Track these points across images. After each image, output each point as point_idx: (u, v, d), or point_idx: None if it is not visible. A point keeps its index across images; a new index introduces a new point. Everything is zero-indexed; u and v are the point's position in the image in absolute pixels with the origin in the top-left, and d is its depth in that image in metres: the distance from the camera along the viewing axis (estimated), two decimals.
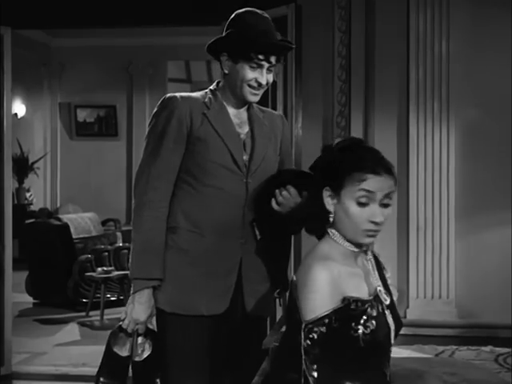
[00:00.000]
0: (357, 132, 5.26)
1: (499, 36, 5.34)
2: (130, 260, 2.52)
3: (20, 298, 7.12)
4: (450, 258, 5.35)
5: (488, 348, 4.91)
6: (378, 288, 2.08)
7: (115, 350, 2.51)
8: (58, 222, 7.75)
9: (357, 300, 1.98)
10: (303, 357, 1.94)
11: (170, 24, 6.57)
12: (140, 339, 2.51)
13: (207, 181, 2.48)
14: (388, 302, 2.08)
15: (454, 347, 4.94)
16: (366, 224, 2.02)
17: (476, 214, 5.38)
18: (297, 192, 2.41)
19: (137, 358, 2.51)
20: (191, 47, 9.10)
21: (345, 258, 2.06)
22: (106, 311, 6.80)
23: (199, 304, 2.48)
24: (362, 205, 2.02)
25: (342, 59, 5.37)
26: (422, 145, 5.36)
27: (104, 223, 9.67)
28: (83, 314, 6.94)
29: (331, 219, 2.06)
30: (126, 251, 7.43)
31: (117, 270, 7.14)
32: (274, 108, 4.69)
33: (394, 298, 2.15)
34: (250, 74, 2.48)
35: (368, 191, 2.01)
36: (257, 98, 2.54)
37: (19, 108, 10.43)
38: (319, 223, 2.10)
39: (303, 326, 1.95)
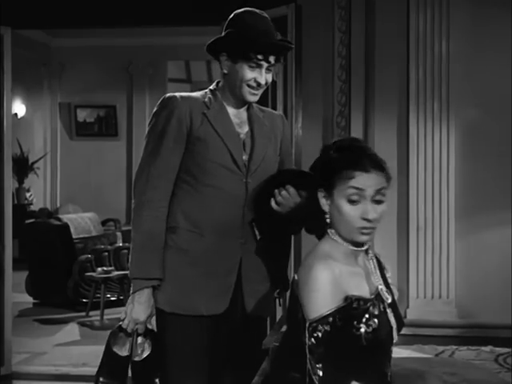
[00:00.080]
0: (357, 132, 5.26)
1: (499, 36, 5.34)
2: (129, 260, 2.52)
3: (20, 298, 7.12)
4: (450, 258, 5.34)
5: (488, 348, 4.91)
6: (380, 287, 2.08)
7: (115, 349, 2.51)
8: (58, 222, 7.75)
9: (359, 299, 1.99)
10: (308, 356, 1.94)
11: (170, 24, 6.57)
12: (140, 339, 2.51)
13: (207, 180, 2.48)
14: (389, 301, 2.08)
15: (454, 347, 4.94)
16: (359, 221, 2.02)
17: (476, 213, 5.38)
18: (296, 192, 2.41)
19: (136, 358, 2.51)
20: (191, 47, 9.10)
21: (345, 257, 2.07)
22: (106, 311, 6.80)
23: (199, 304, 2.48)
24: (353, 202, 2.02)
25: (341, 59, 5.36)
26: (422, 145, 5.36)
27: (104, 223, 9.67)
28: (83, 313, 6.94)
29: (327, 220, 2.07)
30: (125, 251, 7.43)
31: (117, 269, 7.14)
32: (274, 108, 4.69)
33: (395, 298, 2.15)
34: (249, 73, 2.48)
35: (357, 188, 2.02)
36: (256, 98, 2.54)
37: (19, 108, 10.43)
38: (318, 223, 2.10)
39: (307, 324, 1.95)
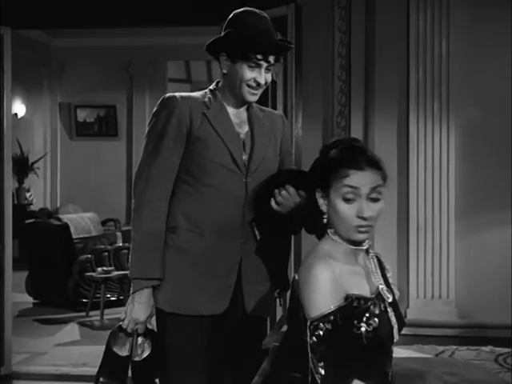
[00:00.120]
0: (357, 132, 5.26)
1: (499, 36, 5.34)
2: (129, 260, 2.52)
3: (20, 298, 7.12)
4: (450, 258, 5.34)
5: (488, 348, 4.91)
6: (380, 286, 2.08)
7: (115, 349, 2.51)
8: (58, 222, 7.75)
9: (359, 298, 2.00)
10: (309, 355, 1.95)
11: (170, 24, 6.57)
12: (140, 339, 2.51)
13: (207, 180, 2.48)
14: (390, 300, 2.09)
15: (454, 347, 4.94)
16: (355, 220, 2.03)
17: (476, 213, 5.38)
18: (296, 192, 2.41)
19: (136, 358, 2.51)
20: (191, 47, 9.08)
21: (346, 256, 2.07)
22: (106, 311, 6.80)
23: (199, 304, 2.48)
24: (348, 201, 2.03)
25: (342, 59, 5.36)
26: (422, 145, 5.36)
27: (104, 223, 9.67)
28: (83, 314, 6.94)
29: (325, 220, 2.08)
30: (125, 251, 7.43)
31: (117, 269, 7.14)
32: (274, 108, 4.69)
33: (396, 298, 2.15)
34: (249, 73, 2.48)
35: (352, 187, 2.02)
36: (255, 98, 2.54)
37: (19, 108, 10.42)
38: (318, 223, 2.11)
39: (308, 323, 1.95)
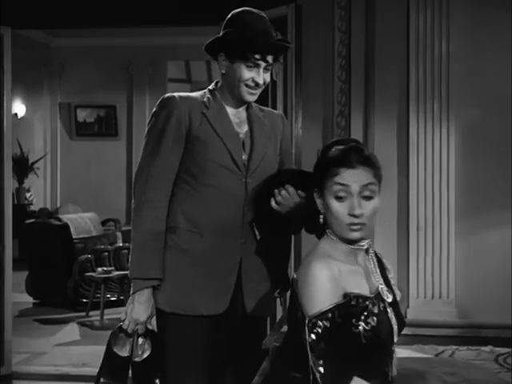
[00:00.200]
0: (357, 132, 5.25)
1: (499, 36, 5.33)
2: (129, 260, 2.52)
3: (20, 298, 7.13)
4: (450, 258, 5.34)
5: (488, 348, 4.90)
6: (380, 286, 2.08)
7: (115, 350, 2.51)
8: (58, 222, 7.75)
9: (357, 296, 2.00)
10: (309, 353, 1.95)
11: (170, 24, 6.57)
12: (140, 340, 2.51)
13: (206, 180, 2.48)
14: (390, 300, 2.08)
15: (454, 347, 4.93)
16: (347, 218, 2.03)
17: (476, 213, 5.37)
18: (296, 192, 2.41)
19: (137, 359, 2.51)
20: (191, 47, 9.06)
21: (345, 256, 2.07)
22: (106, 311, 6.80)
23: (199, 304, 2.48)
24: (339, 199, 2.03)
25: (342, 59, 5.36)
26: (422, 145, 5.35)
27: (104, 223, 9.68)
28: (83, 313, 6.94)
29: (321, 220, 2.08)
30: (125, 251, 7.44)
31: (117, 269, 7.14)
32: (274, 108, 4.69)
33: (398, 298, 2.15)
34: (247, 73, 2.47)
35: (342, 184, 2.03)
36: (254, 98, 2.54)
37: (19, 108, 10.43)
38: (318, 223, 2.11)
39: (307, 321, 1.96)
